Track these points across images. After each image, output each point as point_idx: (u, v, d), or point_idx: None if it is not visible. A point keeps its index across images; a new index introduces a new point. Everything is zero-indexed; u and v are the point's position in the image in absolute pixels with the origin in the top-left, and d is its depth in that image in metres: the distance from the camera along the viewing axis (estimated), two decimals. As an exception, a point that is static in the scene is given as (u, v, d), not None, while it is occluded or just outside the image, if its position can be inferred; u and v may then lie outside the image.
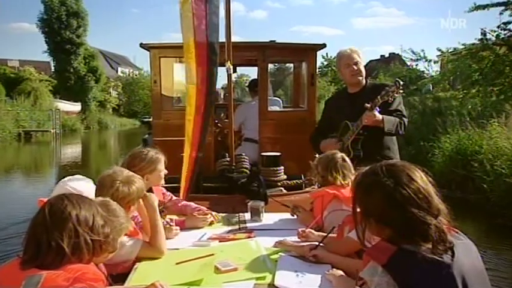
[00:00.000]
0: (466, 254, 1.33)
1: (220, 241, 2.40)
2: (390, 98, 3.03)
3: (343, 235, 2.07)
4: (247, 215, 2.86)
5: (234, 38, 3.45)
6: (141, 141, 6.11)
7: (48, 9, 32.50)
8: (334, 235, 2.12)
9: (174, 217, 2.76)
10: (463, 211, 6.70)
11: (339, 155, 2.62)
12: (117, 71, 48.61)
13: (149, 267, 2.01)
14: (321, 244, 2.06)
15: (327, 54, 36.64)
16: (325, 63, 37.25)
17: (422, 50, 15.74)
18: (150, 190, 2.55)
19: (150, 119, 5.06)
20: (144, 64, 47.52)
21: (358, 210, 1.43)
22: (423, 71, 18.07)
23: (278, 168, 3.81)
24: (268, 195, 3.11)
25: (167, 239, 2.27)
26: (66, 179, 2.54)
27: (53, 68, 37.02)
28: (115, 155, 18.64)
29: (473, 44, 12.58)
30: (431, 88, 17.39)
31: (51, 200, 1.50)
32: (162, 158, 2.72)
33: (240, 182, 3.40)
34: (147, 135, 5.89)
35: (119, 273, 1.93)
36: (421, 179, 1.36)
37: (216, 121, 4.73)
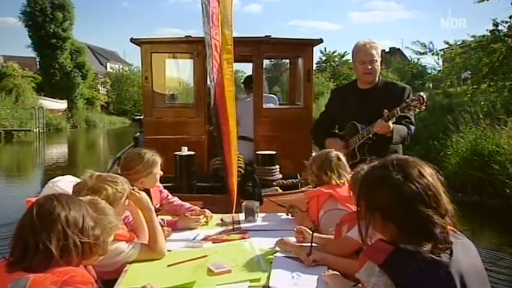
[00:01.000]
0: (464, 253, 1.31)
1: (213, 242, 2.35)
2: (410, 113, 2.94)
3: (342, 235, 2.04)
4: (241, 216, 2.81)
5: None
6: (132, 140, 6.03)
7: (31, 1, 31.00)
8: (331, 236, 2.09)
9: (166, 217, 2.71)
10: (482, 217, 6.42)
11: (334, 153, 2.58)
12: (106, 67, 47.24)
13: (139, 269, 1.96)
14: (313, 244, 2.01)
15: (325, 49, 36.45)
16: (324, 58, 36.98)
17: (431, 42, 15.21)
18: (146, 190, 2.49)
19: (142, 117, 4.99)
20: (134, 60, 46.95)
21: (363, 204, 1.39)
22: (425, 66, 17.60)
23: (273, 167, 3.76)
24: (263, 195, 3.08)
25: None
26: (55, 179, 2.44)
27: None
28: (104, 155, 18.13)
29: (484, 35, 11.37)
30: (430, 86, 17.12)
31: (39, 201, 1.46)
32: (159, 161, 2.65)
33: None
34: (138, 134, 5.82)
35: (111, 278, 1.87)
36: (431, 176, 1.33)
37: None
